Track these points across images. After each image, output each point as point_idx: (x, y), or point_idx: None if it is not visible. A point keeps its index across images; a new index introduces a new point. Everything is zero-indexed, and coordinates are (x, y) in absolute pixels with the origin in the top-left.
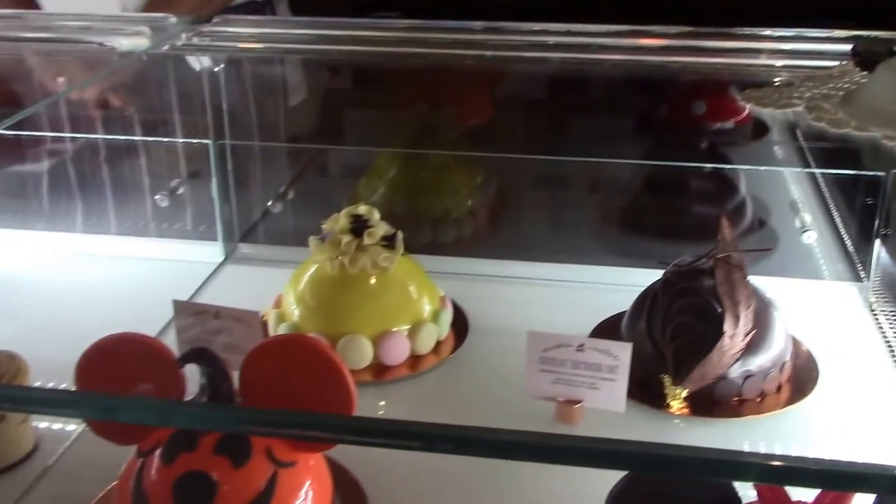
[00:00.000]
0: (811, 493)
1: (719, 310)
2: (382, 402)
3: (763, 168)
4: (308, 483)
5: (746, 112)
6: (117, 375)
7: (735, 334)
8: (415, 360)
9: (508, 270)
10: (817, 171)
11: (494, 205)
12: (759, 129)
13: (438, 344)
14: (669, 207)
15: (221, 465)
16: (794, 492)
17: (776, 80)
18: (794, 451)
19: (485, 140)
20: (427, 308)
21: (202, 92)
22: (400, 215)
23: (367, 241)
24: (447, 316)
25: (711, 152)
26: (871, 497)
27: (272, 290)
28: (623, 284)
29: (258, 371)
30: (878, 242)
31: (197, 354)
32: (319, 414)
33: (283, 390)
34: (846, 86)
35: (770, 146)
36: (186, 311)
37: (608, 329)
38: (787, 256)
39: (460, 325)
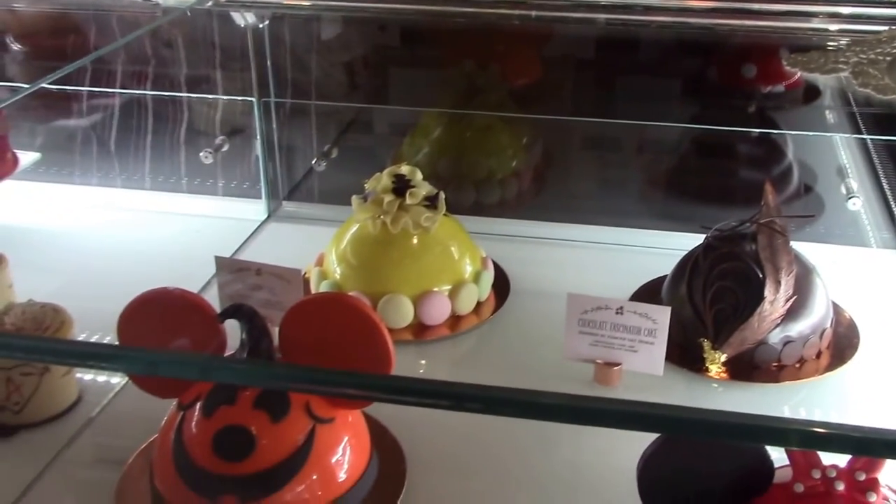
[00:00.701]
0: (844, 457)
1: (760, 275)
2: (423, 361)
3: (810, 133)
4: (346, 439)
5: (798, 76)
6: (158, 329)
7: (775, 300)
8: (455, 320)
9: (551, 232)
10: (865, 136)
11: (539, 166)
12: (811, 93)
13: (479, 304)
14: (715, 171)
15: (260, 419)
16: (826, 455)
17: (829, 44)
18: (831, 418)
19: (530, 101)
20: (468, 269)
21: (246, 49)
22: (444, 175)
23: (409, 200)
24: (488, 277)
25: (761, 116)
26: None
27: (315, 248)
28: (666, 248)
29: (298, 328)
30: None
31: (237, 310)
32: (355, 373)
33: (322, 347)
34: (894, 50)
35: (821, 111)
36: (228, 267)
37: (649, 293)
38: (833, 223)
39: (501, 286)
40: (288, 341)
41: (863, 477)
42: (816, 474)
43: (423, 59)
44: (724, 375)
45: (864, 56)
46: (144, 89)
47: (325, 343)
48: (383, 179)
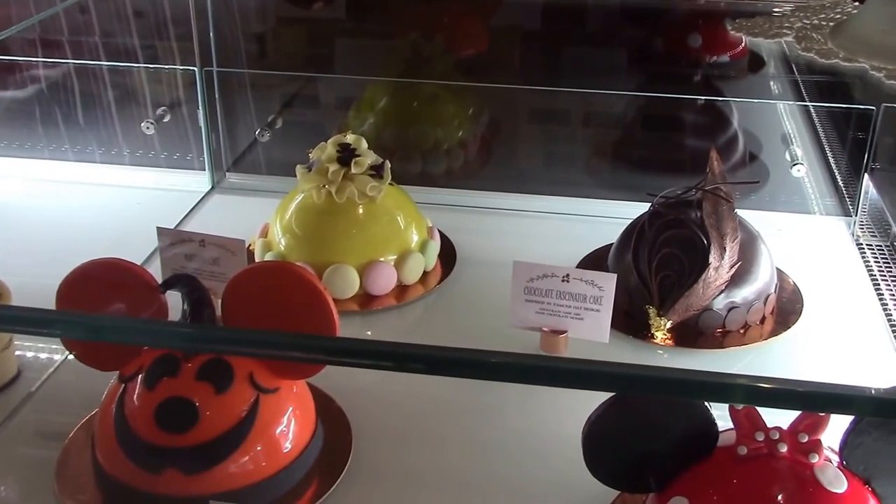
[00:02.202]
0: (786, 419)
1: (705, 242)
2: (368, 332)
3: (755, 101)
4: (290, 409)
5: (743, 45)
6: (98, 301)
7: (720, 266)
8: (401, 290)
9: (497, 202)
10: (807, 104)
11: (485, 136)
12: (756, 62)
13: (425, 274)
14: (661, 140)
15: (203, 390)
16: (770, 418)
17: (774, 10)
18: None
19: (477, 70)
20: (415, 238)
21: (189, 17)
22: (390, 146)
23: (354, 170)
24: (434, 246)
25: (706, 85)
26: (843, 426)
27: (259, 219)
28: (612, 216)
29: (240, 298)
30: (866, 177)
31: (179, 280)
32: (298, 334)
33: (265, 317)
34: (837, 16)
35: (766, 79)
36: (171, 238)
37: (596, 261)
38: (778, 190)
39: (448, 255)
40: (230, 311)
41: (805, 439)
42: (760, 436)
43: (369, 29)
44: (669, 342)
45: (808, 21)
46: (83, 58)
47: (269, 313)
48: (328, 149)
